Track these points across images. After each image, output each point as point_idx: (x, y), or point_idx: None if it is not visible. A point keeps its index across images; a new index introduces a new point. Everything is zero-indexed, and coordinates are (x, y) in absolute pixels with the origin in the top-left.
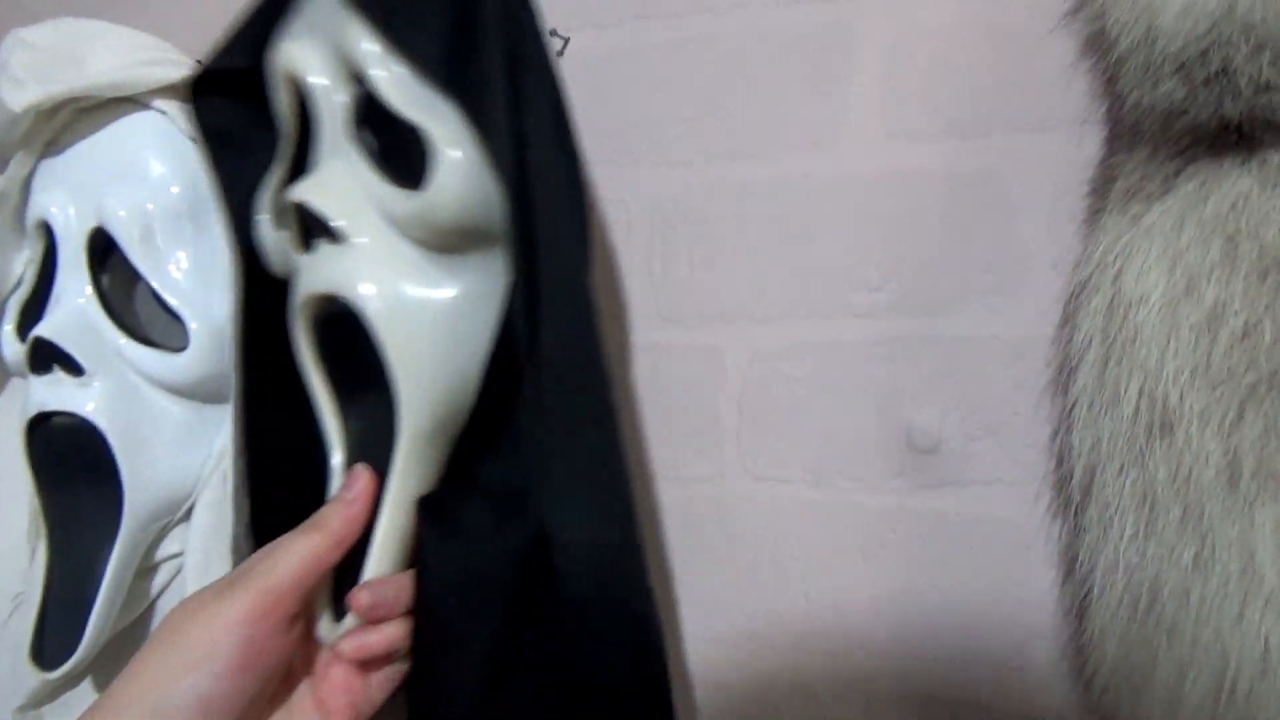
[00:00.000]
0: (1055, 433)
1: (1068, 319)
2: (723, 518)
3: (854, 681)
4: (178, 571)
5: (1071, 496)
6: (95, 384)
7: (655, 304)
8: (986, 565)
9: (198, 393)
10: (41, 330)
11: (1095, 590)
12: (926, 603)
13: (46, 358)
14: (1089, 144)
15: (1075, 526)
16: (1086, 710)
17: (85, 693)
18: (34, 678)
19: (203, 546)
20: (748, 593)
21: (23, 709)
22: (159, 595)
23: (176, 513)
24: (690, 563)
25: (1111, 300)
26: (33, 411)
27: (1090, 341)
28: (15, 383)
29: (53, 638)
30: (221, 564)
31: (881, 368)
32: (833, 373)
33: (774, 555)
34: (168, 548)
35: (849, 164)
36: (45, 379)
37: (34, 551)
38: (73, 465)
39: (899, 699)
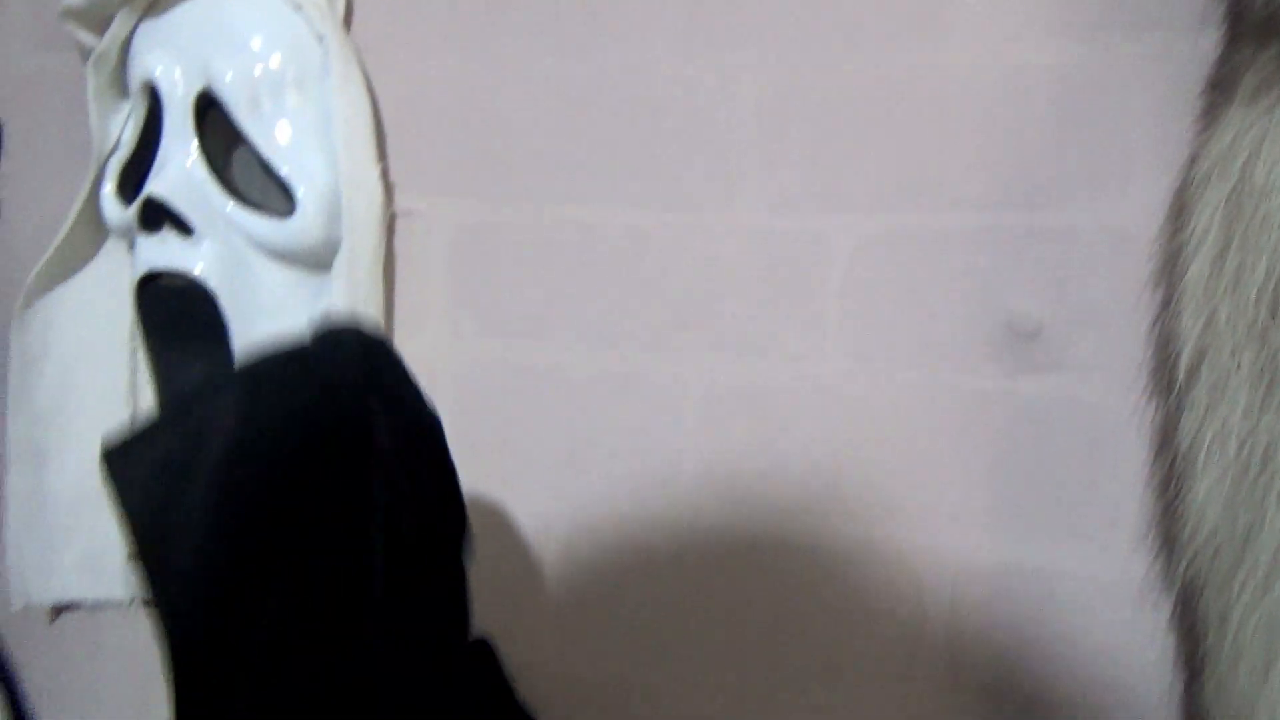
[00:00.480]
0: (1156, 320)
1: (1180, 209)
2: (822, 396)
3: (947, 552)
4: None
5: (1174, 377)
6: (204, 245)
7: (763, 190)
8: (1079, 445)
9: (302, 259)
10: (153, 189)
11: (1200, 462)
12: (1020, 479)
13: (158, 217)
14: (1203, 43)
15: (1177, 405)
16: (1170, 575)
17: None
18: None
19: None
20: (845, 466)
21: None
22: None
23: None
24: (787, 439)
25: (1236, 188)
26: (141, 271)
27: (1210, 228)
28: (99, 259)
29: None
30: None
31: (985, 257)
32: (937, 260)
33: (873, 433)
34: None
35: (961, 58)
36: (153, 239)
37: (134, 412)
38: (182, 325)
39: (991, 568)
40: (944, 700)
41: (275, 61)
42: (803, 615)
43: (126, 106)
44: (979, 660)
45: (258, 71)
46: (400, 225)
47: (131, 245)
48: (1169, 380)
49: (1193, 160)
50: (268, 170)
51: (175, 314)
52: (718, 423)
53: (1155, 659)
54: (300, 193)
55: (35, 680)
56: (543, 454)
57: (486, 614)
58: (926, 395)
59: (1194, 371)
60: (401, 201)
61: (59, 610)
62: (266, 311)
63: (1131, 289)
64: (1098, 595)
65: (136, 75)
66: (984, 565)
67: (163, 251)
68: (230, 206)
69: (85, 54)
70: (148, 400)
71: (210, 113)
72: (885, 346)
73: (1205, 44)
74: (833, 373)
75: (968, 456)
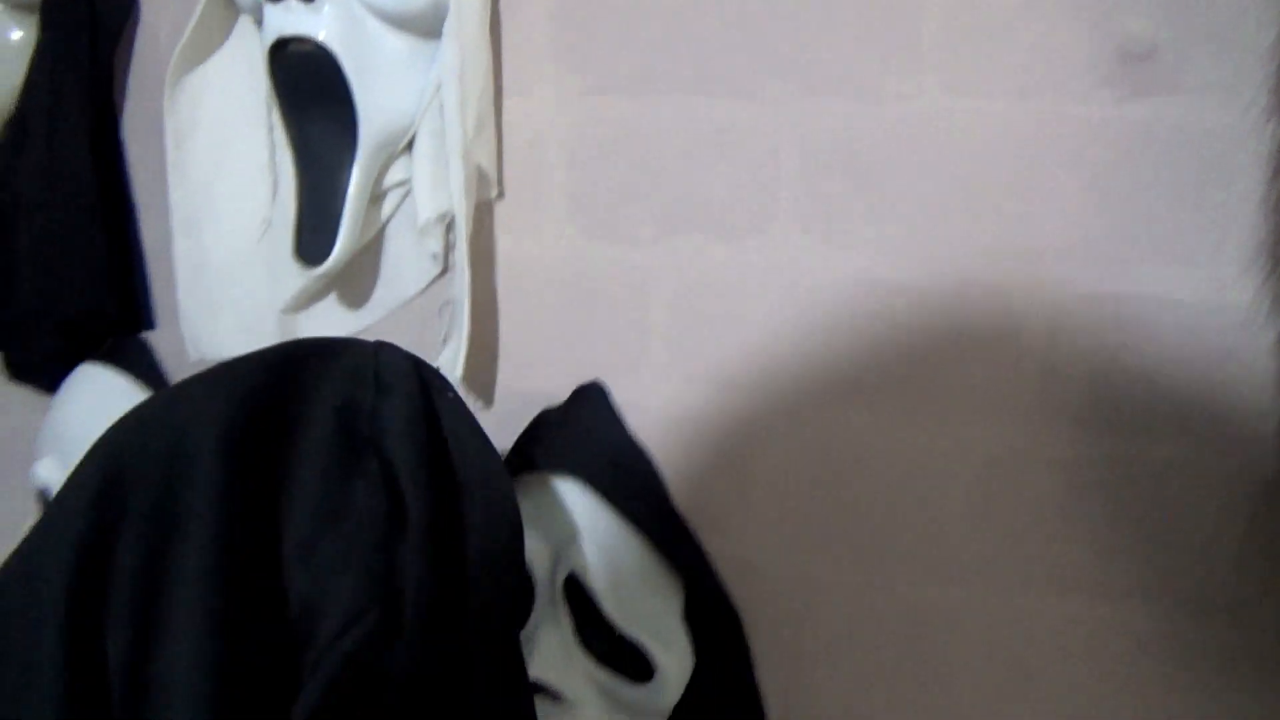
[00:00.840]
0: None
1: None
2: (922, 137)
3: (1045, 285)
4: (404, 197)
5: None
6: (324, 10)
7: None
8: (1189, 170)
9: (414, 24)
10: None
11: None
12: (1124, 207)
13: None
14: None
15: None
16: (1276, 300)
17: (331, 305)
18: (299, 276)
19: (428, 172)
20: (945, 204)
21: (288, 309)
22: (388, 220)
23: (400, 141)
24: (887, 180)
25: None
26: (271, 38)
27: None
28: (233, 37)
29: (310, 242)
30: (443, 189)
31: None
32: None
33: (974, 169)
34: (394, 176)
35: None
36: (279, 8)
37: (275, 180)
38: (311, 91)
39: (1090, 299)
40: (1036, 432)
41: None
42: (893, 354)
43: None
44: (1075, 391)
45: None
46: None
47: (259, 20)
48: None
49: None
50: None
51: (303, 80)
52: (815, 169)
53: (1260, 382)
54: None
55: None
56: (645, 209)
57: (595, 358)
58: (1031, 126)
59: None
60: None
61: None
62: (385, 76)
63: (1254, 4)
64: (1202, 320)
65: None
66: (1083, 296)
67: (288, 19)
68: None
69: None
70: (287, 167)
71: None
72: (988, 78)
73: None
74: (933, 109)
75: (1071, 187)
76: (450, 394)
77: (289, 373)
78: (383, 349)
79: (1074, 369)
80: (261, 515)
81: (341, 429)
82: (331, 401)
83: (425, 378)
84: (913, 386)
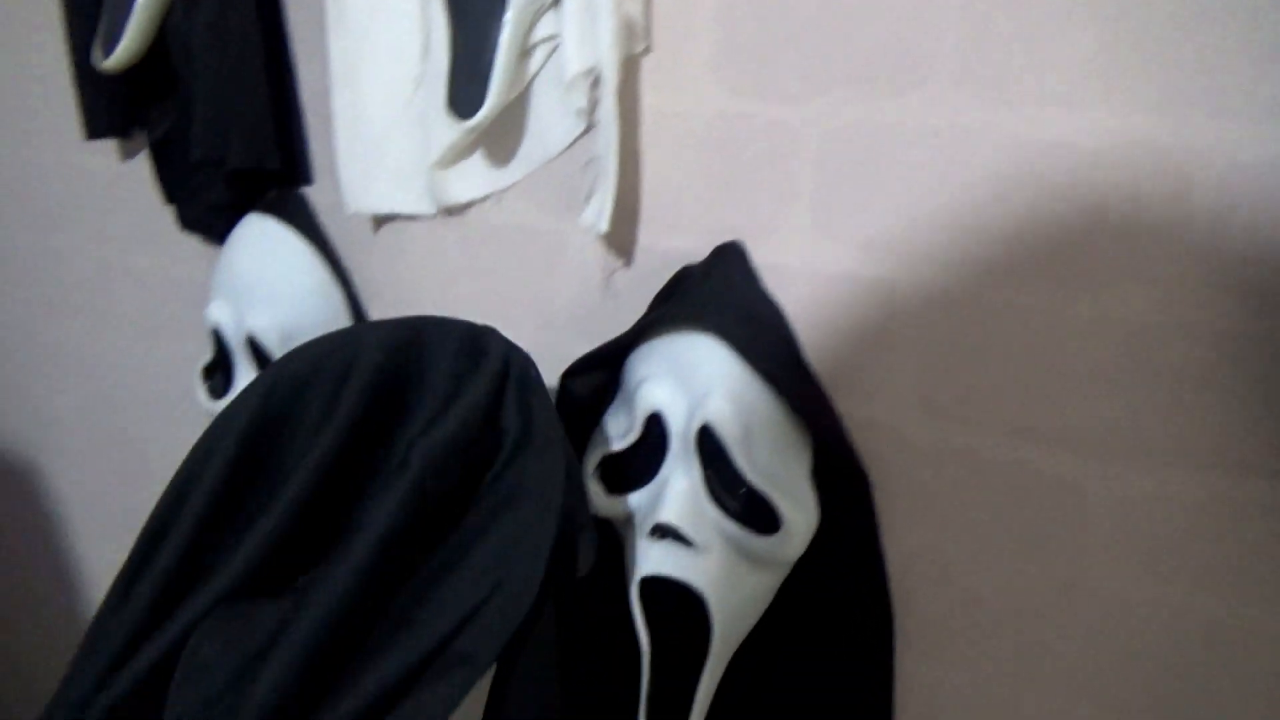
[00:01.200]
0: None
1: None
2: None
3: (1222, 143)
4: (550, 54)
5: None
6: None
7: None
8: None
9: None
10: None
11: None
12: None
13: None
14: None
15: None
16: None
17: (478, 161)
18: (452, 129)
19: (576, 25)
20: (1121, 55)
21: (439, 164)
22: (534, 76)
23: None
24: (1061, 26)
25: None
26: None
27: None
28: None
29: (462, 95)
30: (590, 43)
31: None
32: None
33: (1149, 16)
34: (541, 31)
35: None
36: None
37: (427, 35)
38: None
39: (1267, 162)
40: (1193, 302)
41: None
42: (1048, 216)
43: None
44: (1240, 262)
45: None
46: None
47: None
48: None
49: None
50: None
51: None
52: (980, 18)
53: None
54: None
55: (364, 277)
56: (796, 63)
57: (737, 218)
58: None
59: None
60: None
61: (380, 220)
62: None
63: None
64: None
65: None
66: (1261, 157)
67: None
68: None
69: None
70: (440, 20)
71: None
72: None
73: None
74: None
75: (1254, 36)
76: (533, 371)
77: (426, 326)
78: (491, 332)
79: (1242, 237)
80: (373, 436)
81: (445, 387)
82: (452, 352)
83: (512, 361)
84: (1066, 250)
